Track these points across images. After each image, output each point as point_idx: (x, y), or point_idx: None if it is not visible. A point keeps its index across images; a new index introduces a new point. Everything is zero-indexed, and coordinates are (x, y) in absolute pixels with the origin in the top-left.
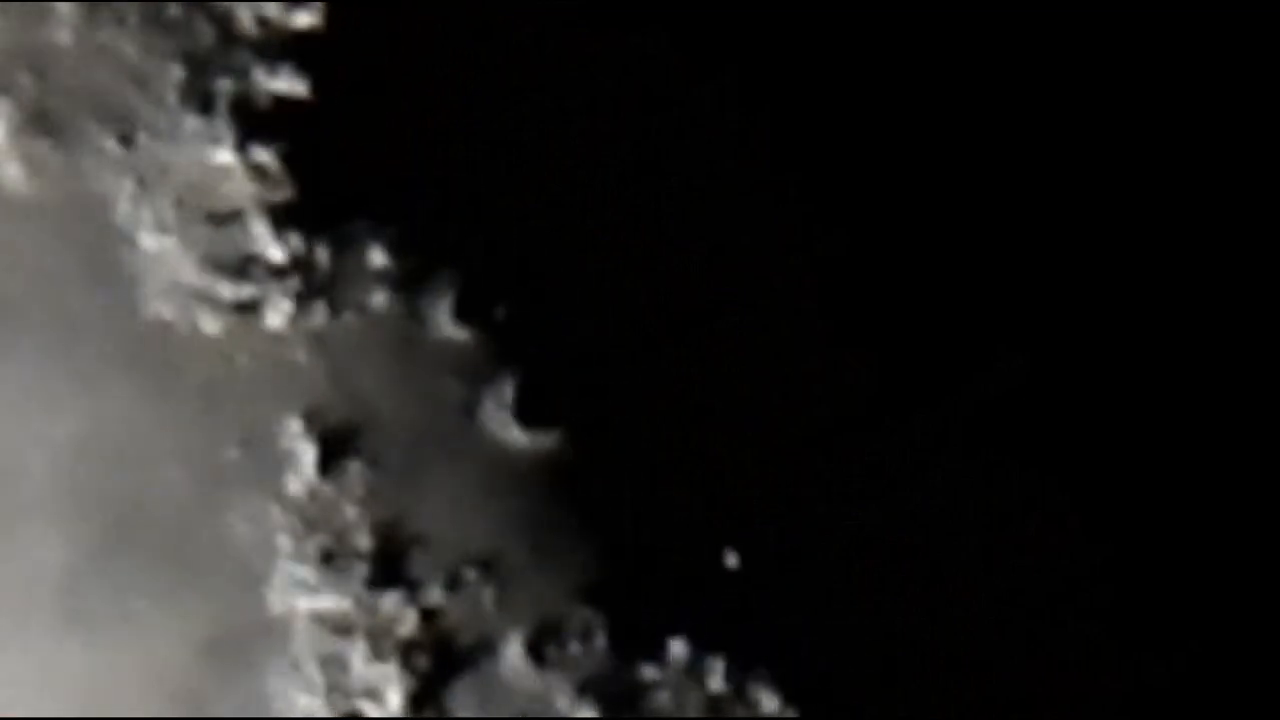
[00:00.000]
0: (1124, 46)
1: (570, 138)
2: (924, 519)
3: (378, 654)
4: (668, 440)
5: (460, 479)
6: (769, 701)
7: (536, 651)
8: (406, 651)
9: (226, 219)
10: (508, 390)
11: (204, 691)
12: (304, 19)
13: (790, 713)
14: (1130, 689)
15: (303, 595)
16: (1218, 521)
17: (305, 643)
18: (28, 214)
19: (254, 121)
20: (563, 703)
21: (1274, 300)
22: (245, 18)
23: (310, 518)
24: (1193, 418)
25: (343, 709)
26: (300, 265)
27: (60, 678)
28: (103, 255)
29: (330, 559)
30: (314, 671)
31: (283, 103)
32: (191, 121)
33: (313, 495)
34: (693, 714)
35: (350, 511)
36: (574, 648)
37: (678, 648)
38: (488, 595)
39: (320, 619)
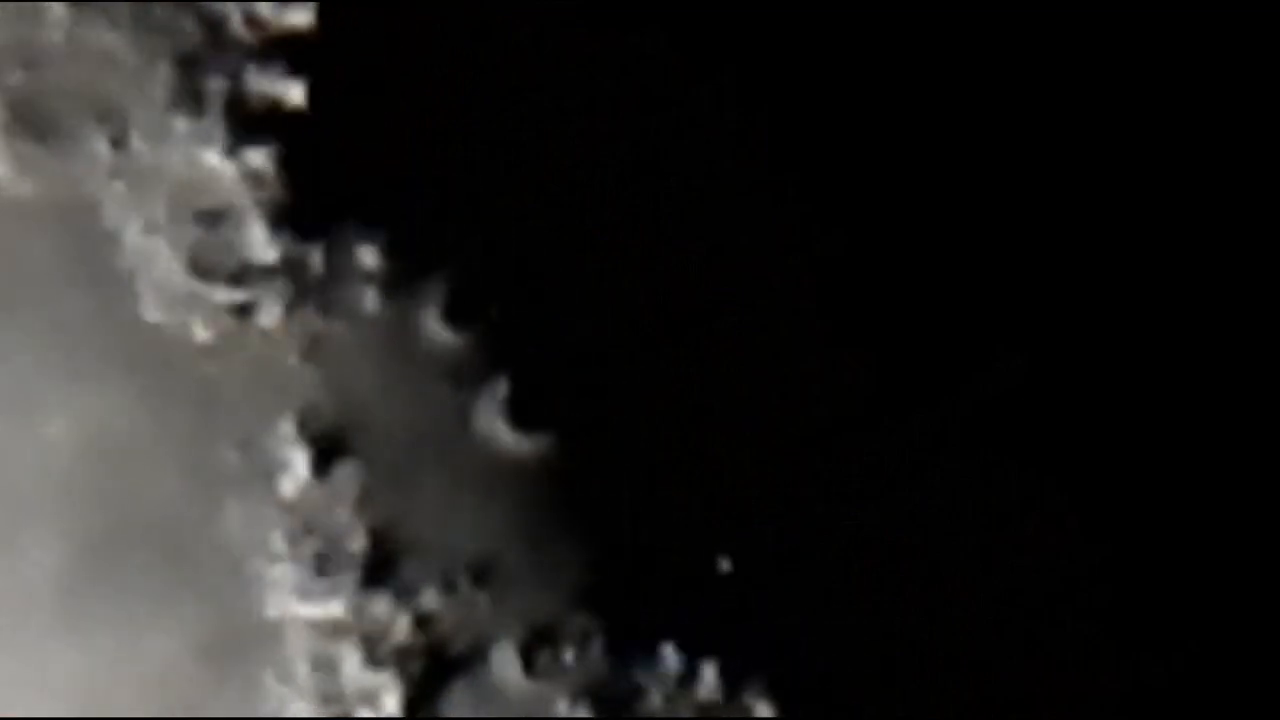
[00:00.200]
0: (1124, 47)
1: (567, 138)
2: (923, 519)
3: (372, 659)
4: (663, 442)
5: (453, 482)
6: (762, 707)
7: (530, 657)
8: (400, 657)
9: (217, 220)
10: (500, 393)
11: (198, 694)
12: (296, 20)
13: (783, 717)
14: (1129, 688)
15: (296, 600)
16: (1217, 521)
17: (299, 647)
18: (18, 215)
19: (245, 123)
20: (557, 708)
21: (1274, 300)
22: (236, 19)
23: (304, 521)
24: (1192, 418)
25: (337, 713)
26: (292, 267)
27: (56, 679)
28: (93, 256)
29: (324, 563)
30: (307, 676)
31: (274, 105)
32: (182, 123)
33: (306, 498)
34: (686, 718)
35: (343, 515)
36: (568, 653)
37: (672, 653)
38: (482, 600)
39: (314, 623)
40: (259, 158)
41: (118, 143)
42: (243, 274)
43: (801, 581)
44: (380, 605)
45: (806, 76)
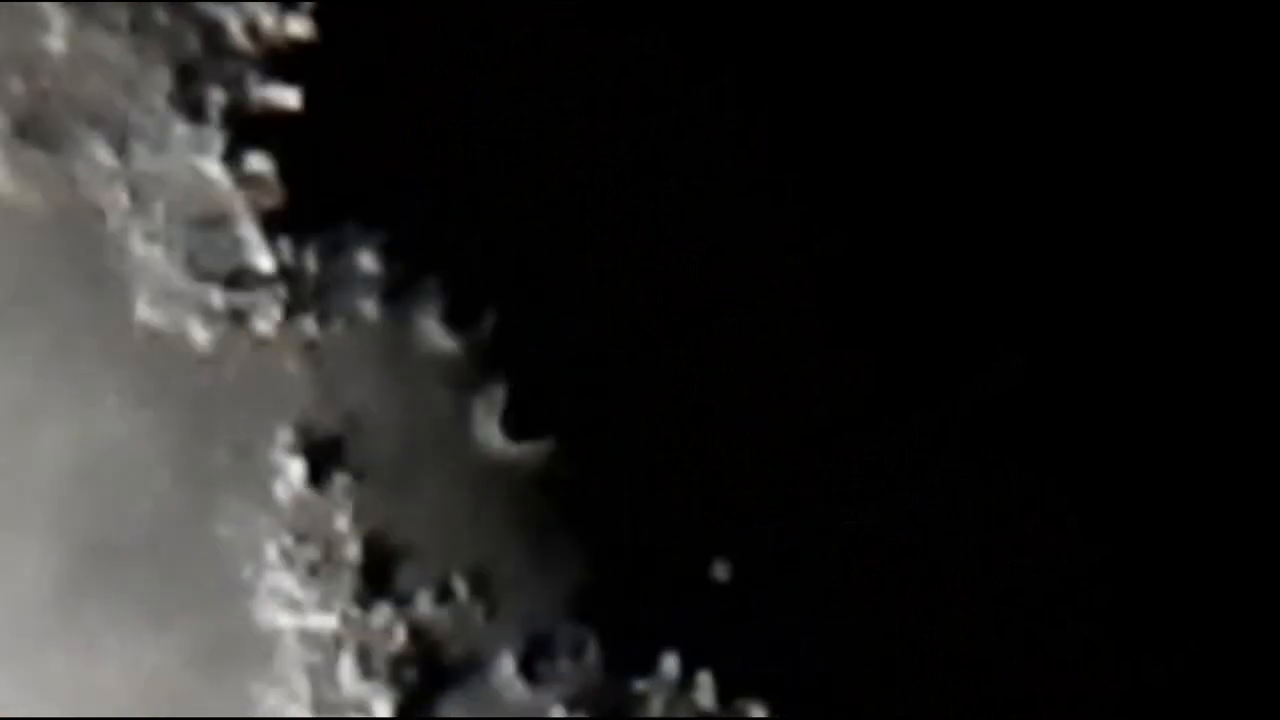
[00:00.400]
0: (1124, 46)
1: (566, 140)
2: (922, 519)
3: (366, 668)
4: (661, 447)
5: (450, 489)
6: (760, 712)
7: (527, 666)
8: (395, 666)
9: (216, 226)
10: (497, 399)
11: (192, 702)
12: (294, 27)
13: None
14: (1129, 689)
15: (290, 608)
16: (1217, 521)
17: (293, 655)
18: (18, 221)
19: (244, 129)
20: (554, 715)
21: (1274, 300)
22: (235, 26)
23: (299, 528)
24: (1192, 418)
25: None
26: (290, 273)
27: (51, 686)
28: (93, 263)
29: (318, 571)
30: (301, 684)
31: (273, 111)
32: (182, 129)
33: (301, 505)
34: None
35: (339, 522)
36: (565, 662)
37: (669, 662)
38: (478, 608)
39: (307, 632)
40: (258, 163)
41: (118, 150)
42: (240, 280)
43: (801, 582)
44: (375, 613)
45: (806, 76)
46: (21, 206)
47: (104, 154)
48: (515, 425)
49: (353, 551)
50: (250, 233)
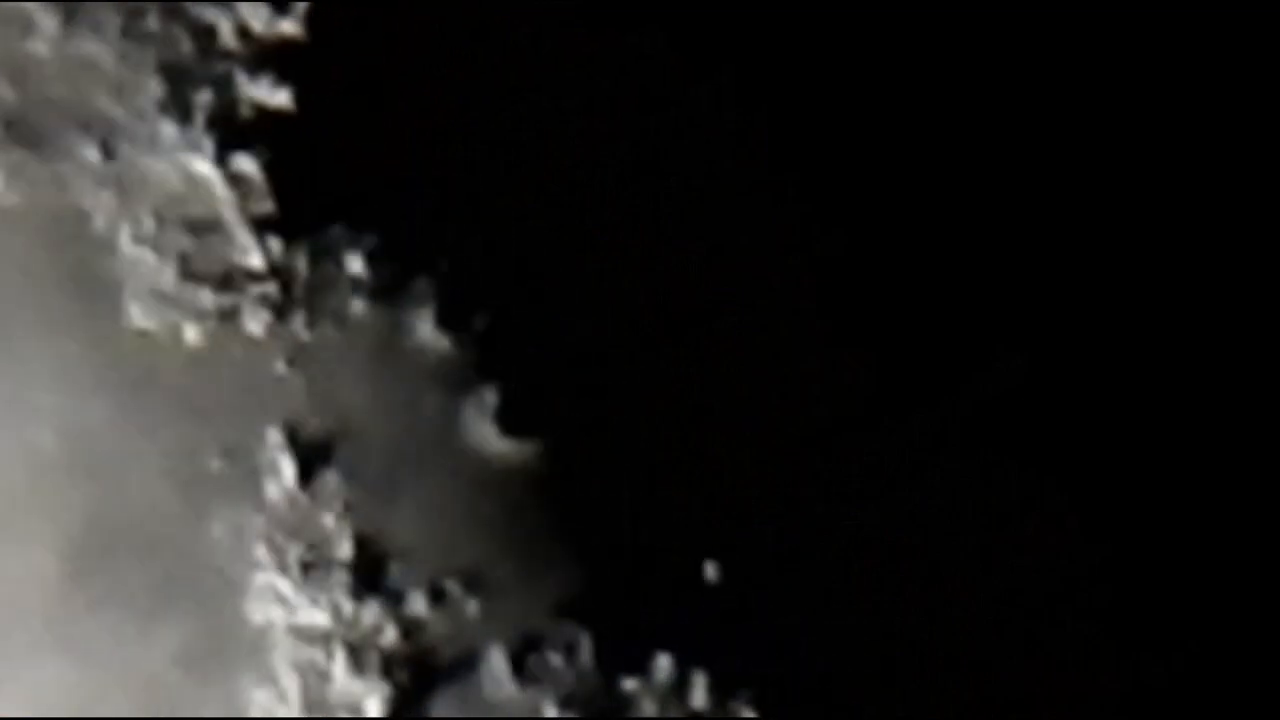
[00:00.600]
0: (1124, 46)
1: (564, 140)
2: (923, 519)
3: (358, 667)
4: (656, 446)
5: (441, 489)
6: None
7: (519, 664)
8: (387, 664)
9: (206, 228)
10: (488, 399)
11: (183, 702)
12: (285, 28)
13: None
14: (1129, 688)
15: (282, 607)
16: (1217, 521)
17: (285, 655)
18: (7, 223)
19: (233, 131)
20: (546, 716)
21: (1274, 300)
22: (225, 28)
23: (290, 528)
24: (1192, 418)
25: None
26: (280, 274)
27: (42, 687)
28: (83, 264)
29: (310, 570)
30: (292, 683)
31: (262, 112)
32: (170, 131)
33: (293, 505)
34: None
35: (330, 522)
36: (557, 661)
37: (662, 662)
38: (470, 607)
39: (299, 631)
40: (247, 165)
41: (107, 151)
42: (230, 281)
43: (801, 582)
44: (367, 612)
45: (806, 76)
46: (10, 208)
47: (93, 156)
48: (507, 425)
49: (344, 550)
50: (240, 234)
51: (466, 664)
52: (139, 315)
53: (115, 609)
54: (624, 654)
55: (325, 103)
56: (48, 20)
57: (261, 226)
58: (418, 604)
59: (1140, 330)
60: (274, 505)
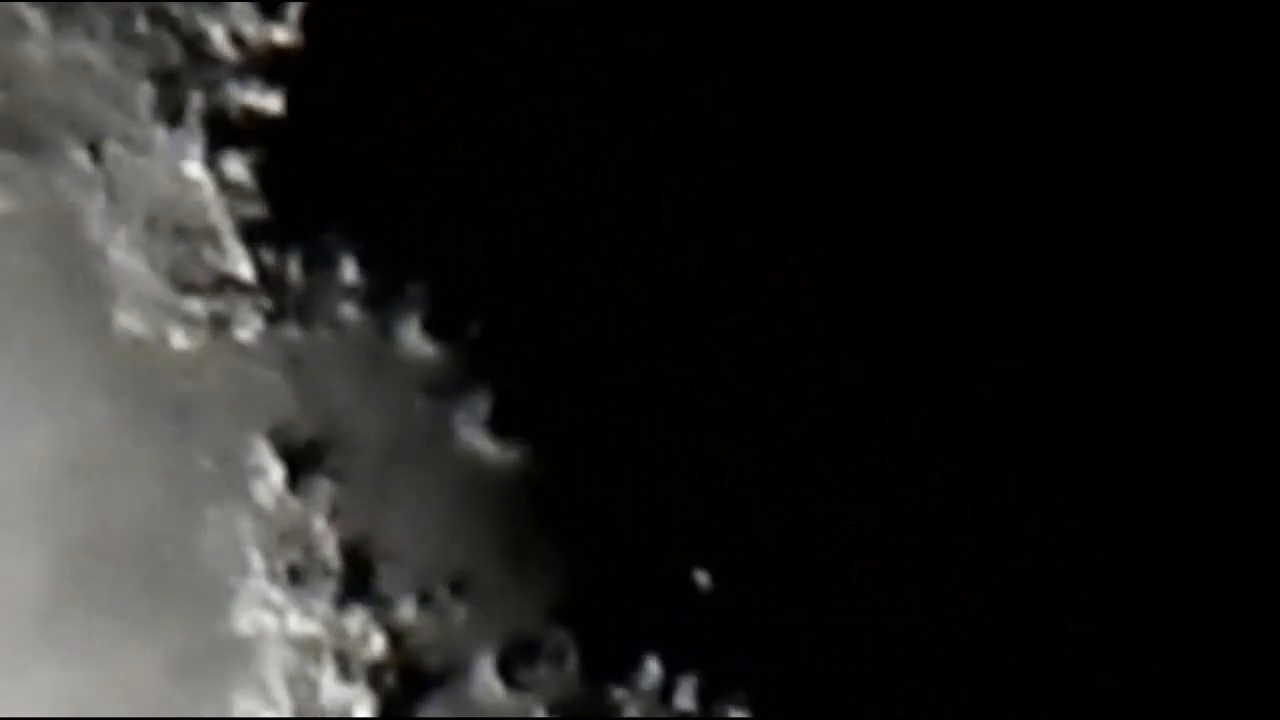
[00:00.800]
0: (1124, 46)
1: (561, 142)
2: (922, 519)
3: (346, 674)
4: (649, 450)
5: (431, 495)
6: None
7: (507, 672)
8: (375, 672)
9: (197, 233)
10: (479, 405)
11: (172, 709)
12: (277, 34)
13: None
14: (1129, 689)
15: (271, 613)
16: (1217, 521)
17: (273, 662)
18: None
19: (225, 136)
20: None
21: (1274, 300)
22: (217, 32)
23: (280, 534)
24: (1192, 418)
25: None
26: (271, 280)
27: (33, 694)
28: (74, 269)
29: (299, 577)
30: (282, 691)
31: (254, 117)
32: (162, 135)
33: (282, 511)
34: None
35: (319, 528)
36: (545, 667)
37: (650, 668)
38: (458, 614)
39: (288, 639)
40: (239, 171)
41: (98, 155)
42: (221, 286)
43: (800, 582)
44: (356, 619)
45: (807, 77)
46: (2, 213)
47: (84, 160)
48: (498, 430)
49: (333, 557)
50: (231, 240)
51: (455, 670)
52: (130, 321)
53: (105, 615)
54: (613, 660)
55: (317, 107)
56: (39, 22)
57: (253, 232)
58: (406, 610)
59: (1140, 330)
60: (264, 510)
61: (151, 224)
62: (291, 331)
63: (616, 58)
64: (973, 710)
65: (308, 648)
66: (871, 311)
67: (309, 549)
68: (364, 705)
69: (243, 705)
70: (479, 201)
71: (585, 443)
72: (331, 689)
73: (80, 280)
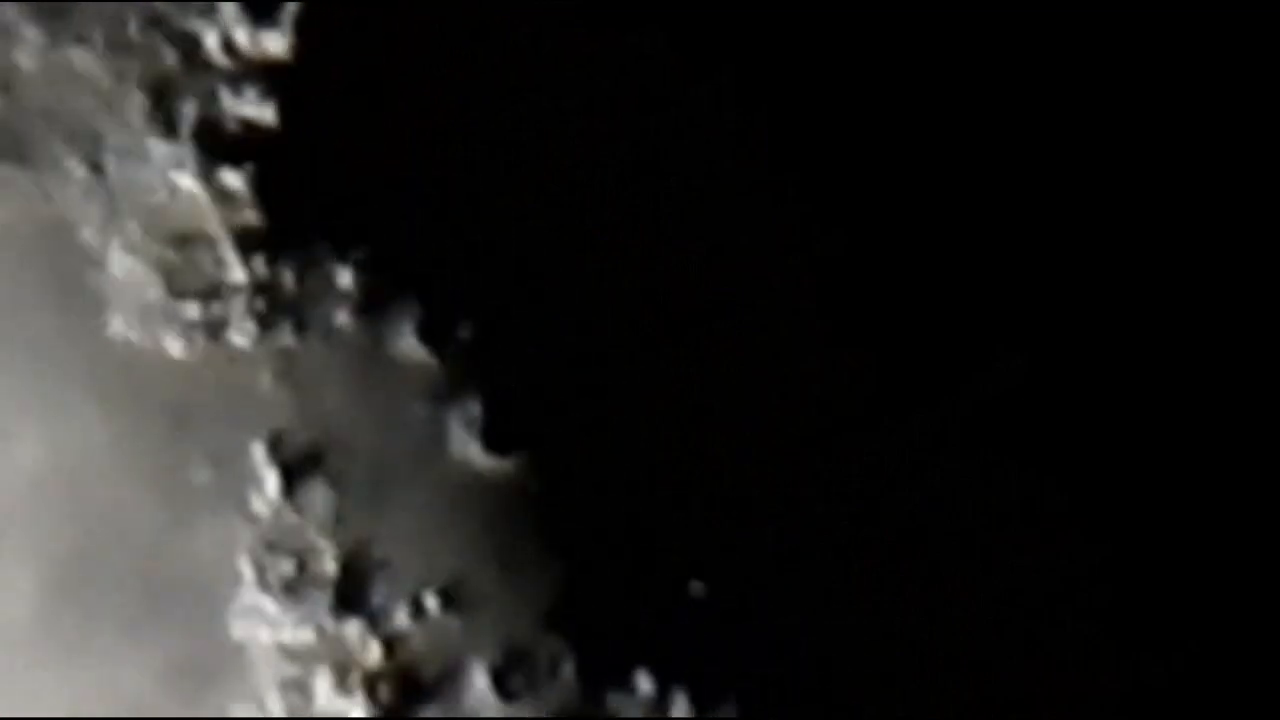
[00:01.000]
0: (1124, 46)
1: (557, 146)
2: (922, 519)
3: (341, 683)
4: (646, 455)
5: (425, 503)
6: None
7: (502, 682)
8: (370, 681)
9: (192, 241)
10: (473, 413)
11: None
12: (270, 42)
13: None
14: (1128, 689)
15: (266, 625)
16: (1217, 521)
17: (268, 672)
18: None
19: (219, 145)
20: None
21: (1274, 300)
22: (210, 39)
23: (274, 542)
24: (1192, 418)
25: None
26: (265, 288)
27: (24, 704)
28: (69, 277)
29: (294, 585)
30: (276, 702)
31: (248, 126)
32: (157, 144)
33: (277, 518)
34: None
35: (314, 537)
36: (541, 678)
37: (645, 676)
38: (453, 623)
39: (283, 649)
40: (233, 180)
41: (93, 165)
42: (216, 294)
43: (799, 582)
44: (350, 629)
45: (807, 77)
46: None
47: (79, 169)
48: (492, 438)
49: (328, 565)
50: (226, 248)
51: (450, 679)
52: (125, 328)
53: (99, 623)
54: (608, 668)
55: (311, 116)
56: (33, 32)
57: (247, 240)
58: (401, 619)
59: (1140, 330)
60: (259, 518)
61: (146, 232)
62: (286, 339)
63: (616, 58)
64: (973, 710)
65: (302, 657)
66: (871, 311)
67: (304, 558)
68: (359, 715)
69: (237, 714)
70: (474, 208)
71: (580, 449)
72: (326, 698)
73: (75, 288)
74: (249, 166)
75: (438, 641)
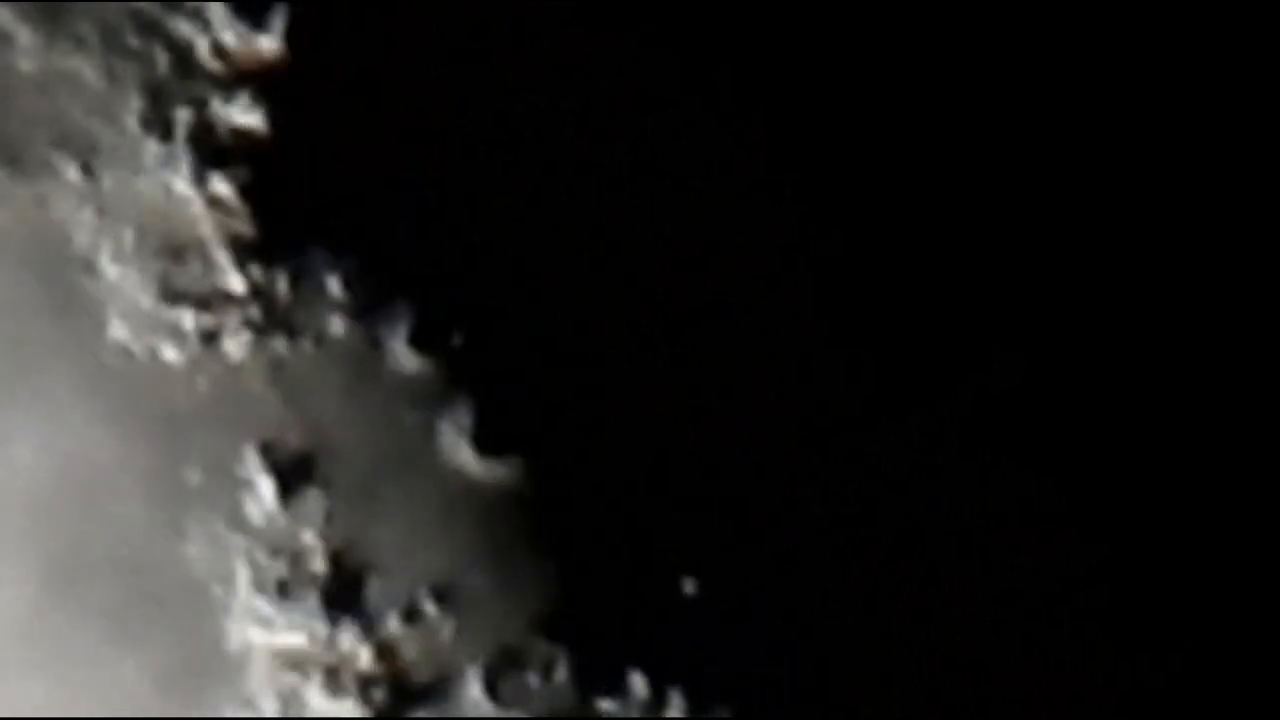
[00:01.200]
0: (1124, 46)
1: (551, 148)
2: (921, 519)
3: (334, 687)
4: (642, 455)
5: (418, 507)
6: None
7: (495, 685)
8: (364, 686)
9: (186, 248)
10: (465, 418)
11: None
12: (264, 49)
13: None
14: (1127, 689)
15: (259, 628)
16: (1216, 521)
17: (261, 676)
18: None
19: (212, 151)
20: None
21: (1274, 300)
22: (204, 47)
23: (268, 548)
24: (1191, 417)
25: None
26: (259, 294)
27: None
28: (63, 284)
29: (287, 590)
30: (270, 706)
31: (241, 132)
32: (153, 149)
33: (271, 523)
34: None
35: (308, 541)
36: (533, 681)
37: (638, 681)
38: (446, 626)
39: (276, 653)
40: (226, 186)
41: (87, 170)
42: (210, 301)
43: (798, 583)
44: (343, 632)
45: (806, 77)
46: None
47: (73, 174)
48: (484, 444)
49: (321, 569)
50: (220, 255)
51: (443, 683)
52: (119, 334)
53: (93, 627)
54: (602, 671)
55: (303, 122)
56: (28, 36)
57: (241, 247)
58: (394, 624)
59: (1140, 330)
60: (253, 523)
61: (140, 238)
62: (280, 345)
63: (614, 58)
64: (972, 710)
65: (296, 661)
66: (870, 311)
67: (297, 562)
68: (351, 717)
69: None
70: (466, 212)
71: (573, 452)
72: (319, 702)
73: (69, 294)
74: (241, 173)
75: (430, 645)
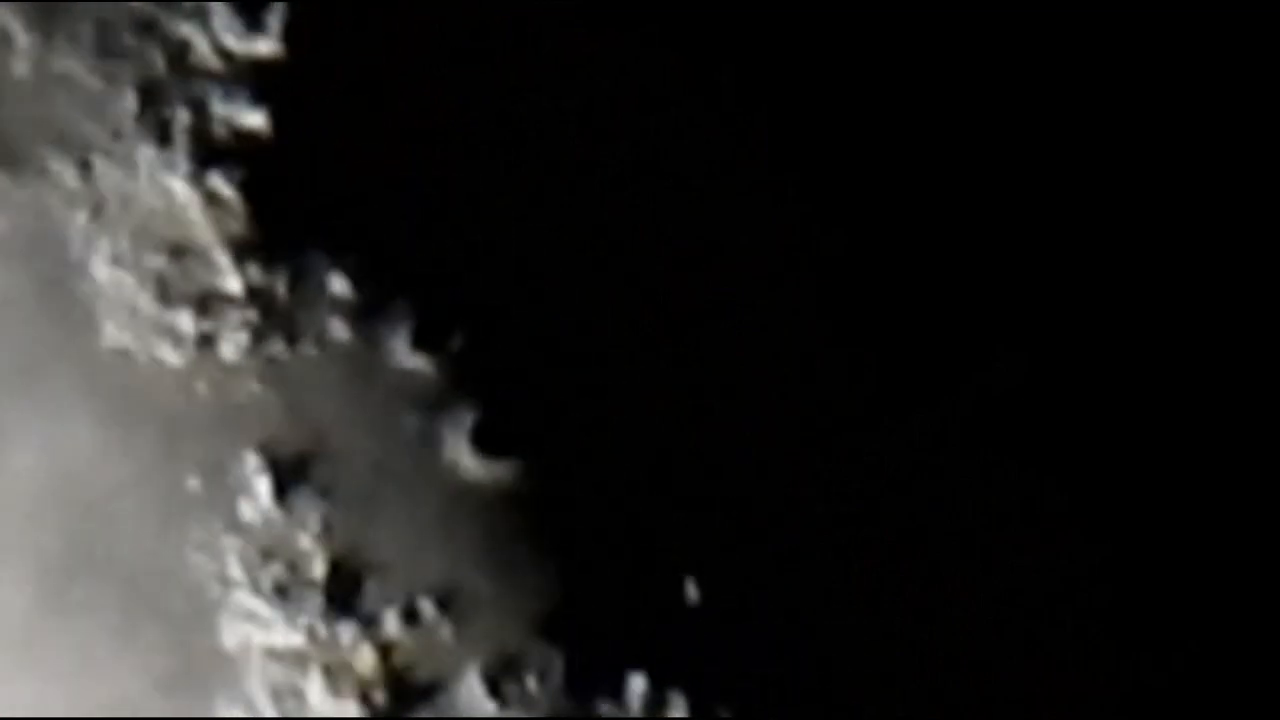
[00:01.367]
0: (1124, 46)
1: (551, 149)
2: (922, 519)
3: (334, 689)
4: (637, 458)
5: (417, 509)
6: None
7: (494, 687)
8: (363, 686)
9: (184, 249)
10: (466, 420)
11: None
12: (262, 48)
13: None
14: (1129, 689)
15: (257, 629)
16: (1217, 521)
17: (259, 677)
18: None
19: (210, 151)
20: None
21: (1274, 300)
22: (202, 47)
23: (266, 549)
24: (1192, 417)
25: None
26: (258, 296)
27: (14, 708)
28: (60, 286)
29: (285, 591)
30: (268, 706)
31: (239, 132)
32: (148, 151)
33: (268, 525)
34: None
35: (306, 542)
36: (532, 683)
37: (637, 683)
38: (445, 628)
39: (275, 653)
40: (224, 186)
41: (83, 172)
42: (208, 302)
43: (799, 583)
44: (342, 634)
45: (807, 77)
46: None
47: (69, 176)
48: (484, 446)
49: (319, 571)
50: (219, 256)
51: (443, 685)
52: (116, 336)
53: (91, 629)
54: (601, 674)
55: (302, 122)
56: (24, 38)
57: (239, 248)
58: (393, 625)
59: (1140, 330)
60: (250, 525)
61: (137, 239)
62: (278, 347)
63: (615, 58)
64: (972, 710)
65: (294, 662)
66: (871, 311)
67: (295, 564)
68: (351, 718)
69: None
70: (467, 213)
71: (573, 454)
72: (318, 703)
73: (66, 296)
74: (240, 173)
75: (430, 646)
